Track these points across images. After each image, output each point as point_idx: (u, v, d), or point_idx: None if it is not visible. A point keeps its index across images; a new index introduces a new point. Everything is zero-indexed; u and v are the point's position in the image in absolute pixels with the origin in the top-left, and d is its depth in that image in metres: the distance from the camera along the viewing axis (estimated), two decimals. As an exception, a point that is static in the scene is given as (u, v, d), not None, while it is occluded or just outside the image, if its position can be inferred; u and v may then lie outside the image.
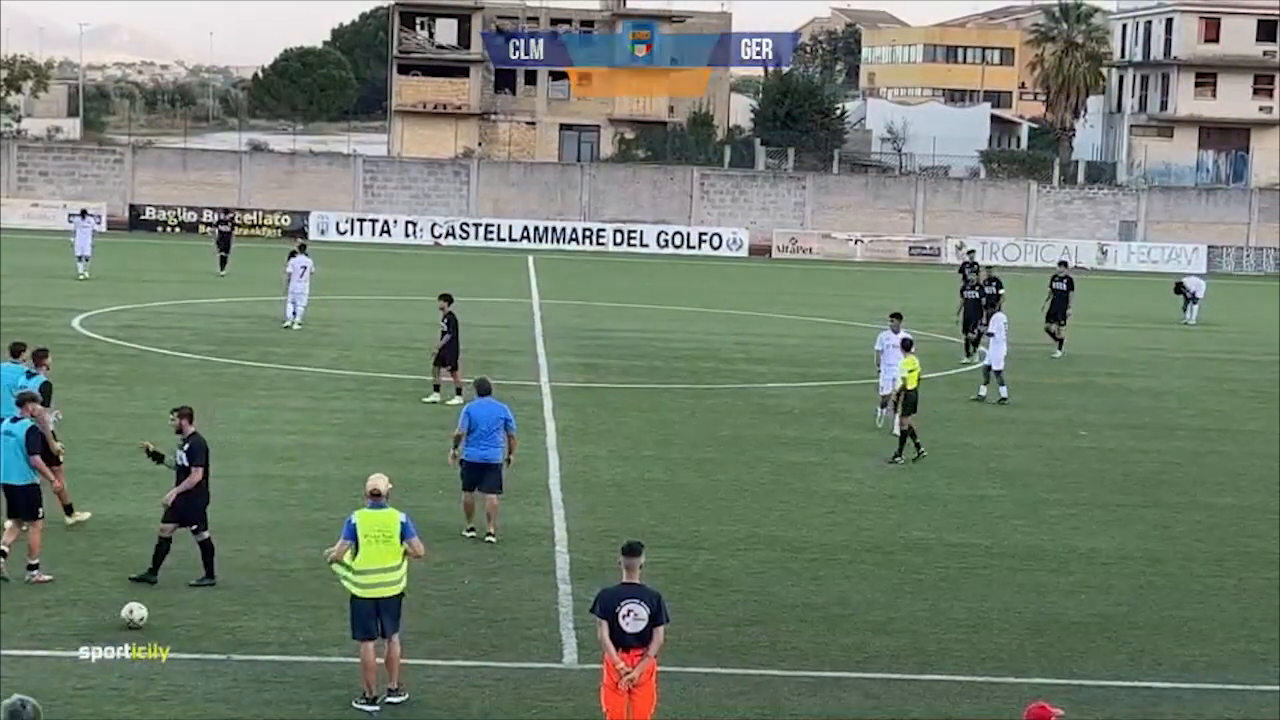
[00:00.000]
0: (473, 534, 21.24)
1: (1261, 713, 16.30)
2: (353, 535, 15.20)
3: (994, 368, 34.28)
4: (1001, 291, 40.31)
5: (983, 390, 34.70)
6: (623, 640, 13.62)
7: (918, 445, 27.49)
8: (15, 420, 18.86)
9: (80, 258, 50.94)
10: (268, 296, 48.05)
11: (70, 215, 71.23)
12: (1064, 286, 42.27)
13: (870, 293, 55.75)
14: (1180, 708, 16.18)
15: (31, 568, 18.48)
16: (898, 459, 27.32)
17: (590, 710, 15.37)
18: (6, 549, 18.55)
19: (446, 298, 31.47)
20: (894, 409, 28.41)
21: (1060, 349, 41.35)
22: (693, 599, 18.97)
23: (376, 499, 15.48)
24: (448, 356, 31.03)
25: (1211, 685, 16.81)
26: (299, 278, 41.56)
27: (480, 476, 21.26)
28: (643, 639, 13.65)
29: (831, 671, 16.74)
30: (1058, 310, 42.17)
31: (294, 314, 41.49)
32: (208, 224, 73.78)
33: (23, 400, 19.17)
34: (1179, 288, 53.95)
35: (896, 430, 27.95)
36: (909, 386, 27.56)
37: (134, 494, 22.58)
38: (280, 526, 21.38)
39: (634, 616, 13.65)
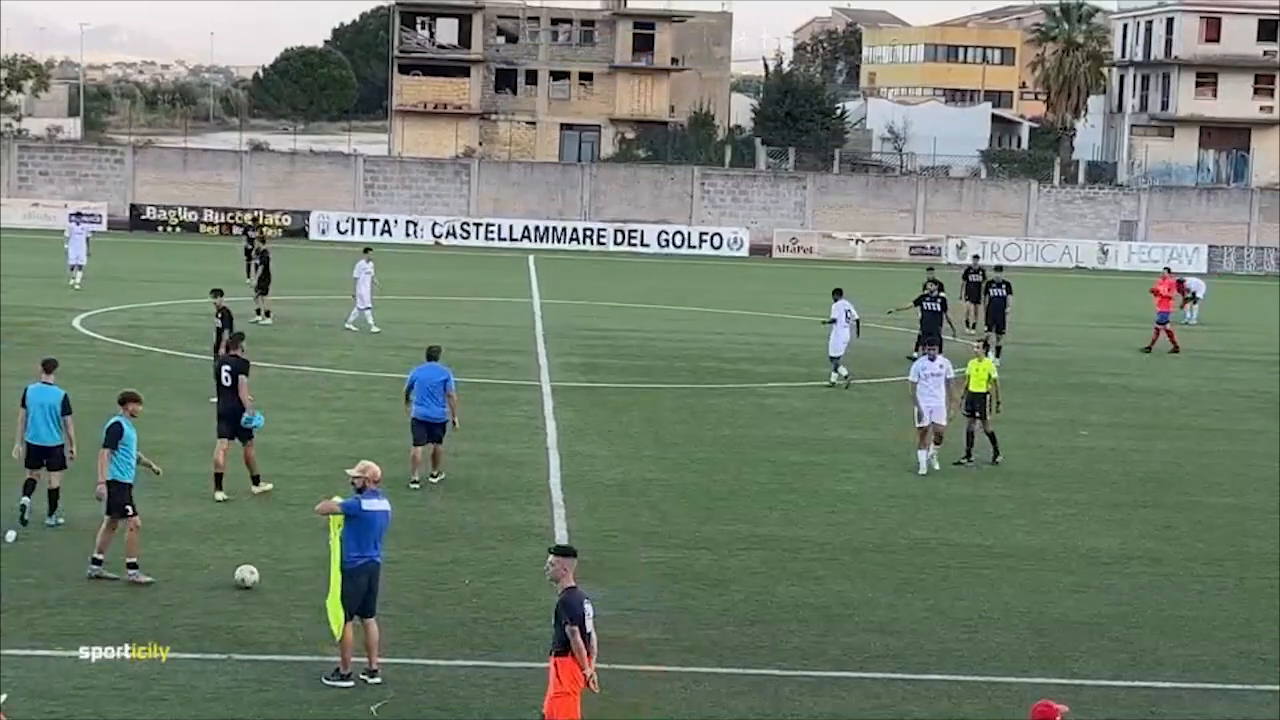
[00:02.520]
0: (416, 486, 23.58)
1: (1261, 713, 16.29)
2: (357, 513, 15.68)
3: (831, 354, 35.42)
4: (1009, 295, 40.37)
5: (833, 377, 35.49)
6: (587, 643, 13.64)
7: (994, 449, 27.52)
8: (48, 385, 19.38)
9: (74, 266, 48.55)
10: (269, 296, 48.03)
11: (71, 215, 71.46)
12: (1002, 292, 39.76)
13: (871, 293, 55.73)
14: (1180, 708, 16.17)
15: (131, 566, 18.57)
16: (998, 459, 27.35)
17: (590, 710, 15.38)
18: (101, 555, 18.65)
19: (217, 292, 31.17)
20: (933, 442, 26.51)
21: (997, 358, 36.45)
22: (693, 599, 18.98)
23: (374, 485, 15.87)
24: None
25: (1211, 685, 16.81)
26: (362, 282, 41.34)
27: (428, 432, 23.99)
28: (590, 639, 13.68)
29: (831, 671, 16.74)
30: (995, 318, 39.54)
31: (351, 318, 41.30)
32: (208, 224, 73.97)
33: (124, 400, 19.35)
34: (1179, 289, 53.96)
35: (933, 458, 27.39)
36: (978, 389, 27.33)
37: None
38: (280, 526, 21.37)
39: (590, 618, 13.68)
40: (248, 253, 51.22)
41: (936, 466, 26.44)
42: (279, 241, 60.33)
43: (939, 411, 26.37)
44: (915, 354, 35.72)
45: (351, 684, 15.49)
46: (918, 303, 37.51)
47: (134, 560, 18.60)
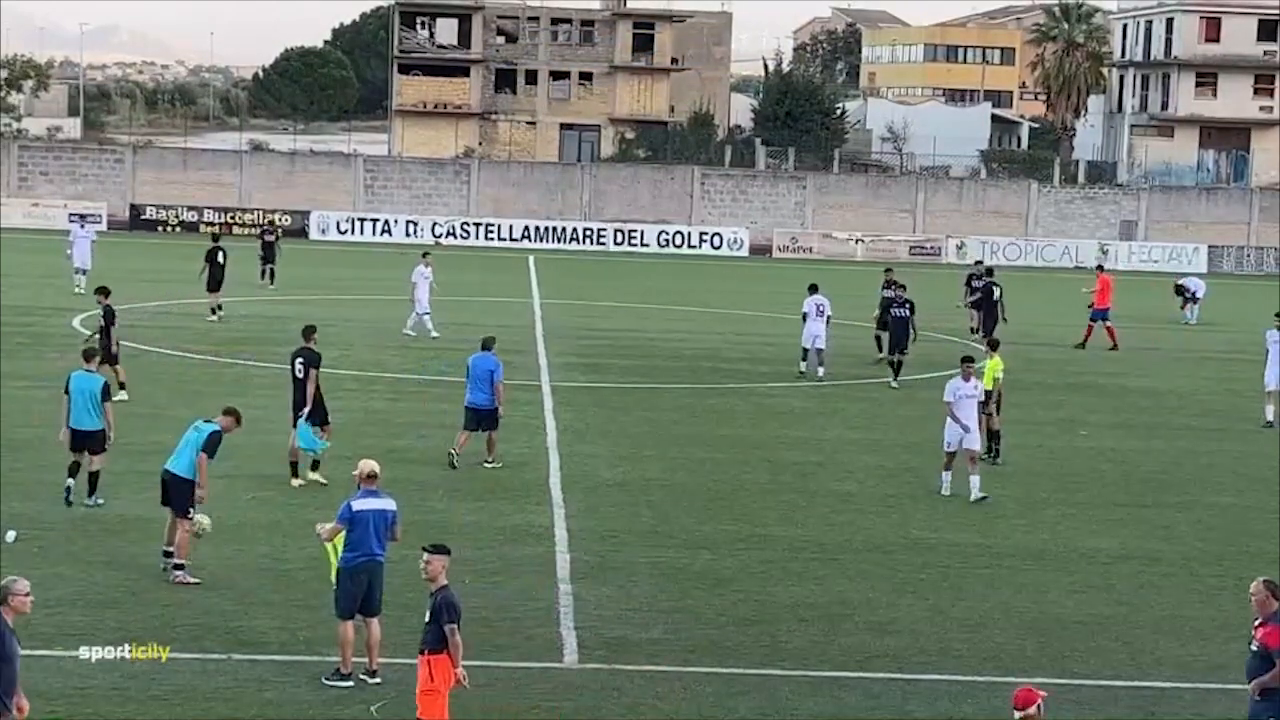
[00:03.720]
0: (451, 456, 25.20)
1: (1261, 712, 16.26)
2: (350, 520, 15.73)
3: (816, 346, 36.33)
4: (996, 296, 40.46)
5: (801, 365, 36.68)
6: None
7: (995, 449, 27.65)
8: (207, 421, 19.48)
9: (79, 270, 47.68)
10: (268, 296, 48.09)
11: (71, 215, 71.37)
12: (905, 313, 35.65)
13: (871, 292, 55.72)
14: (1180, 708, 16.18)
15: (178, 567, 18.74)
16: (996, 460, 27.39)
17: (590, 710, 15.39)
18: (172, 548, 19.01)
19: (103, 291, 31.11)
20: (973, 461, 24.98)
21: (896, 378, 35.59)
22: (693, 598, 18.99)
23: (370, 483, 16.00)
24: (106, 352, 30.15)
25: (1211, 685, 16.80)
26: (420, 287, 40.96)
27: (478, 419, 25.30)
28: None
29: (831, 671, 16.74)
30: (899, 338, 35.62)
31: (411, 324, 40.97)
32: (209, 224, 73.91)
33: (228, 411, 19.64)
34: (1179, 290, 53.98)
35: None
36: (989, 387, 27.38)
37: (134, 494, 22.57)
38: (280, 526, 21.38)
39: None
40: (267, 252, 50.95)
41: (985, 496, 24.41)
42: (279, 241, 60.13)
43: (973, 436, 24.86)
44: (882, 356, 36.87)
45: (351, 684, 15.54)
46: (885, 309, 37.32)
47: (182, 562, 18.84)
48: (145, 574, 19.08)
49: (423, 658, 13.64)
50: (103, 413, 21.63)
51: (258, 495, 22.98)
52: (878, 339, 38.72)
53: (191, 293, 47.07)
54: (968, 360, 25.97)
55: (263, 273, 51.02)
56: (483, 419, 25.31)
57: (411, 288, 41.38)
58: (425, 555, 13.99)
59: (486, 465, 25.33)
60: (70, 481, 21.78)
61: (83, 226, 50.74)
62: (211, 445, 19.05)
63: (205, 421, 19.47)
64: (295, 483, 23.64)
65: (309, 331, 25.04)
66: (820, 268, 70.07)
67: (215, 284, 42.85)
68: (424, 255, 43.36)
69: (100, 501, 21.76)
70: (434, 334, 40.55)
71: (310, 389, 23.96)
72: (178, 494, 18.98)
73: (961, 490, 24.52)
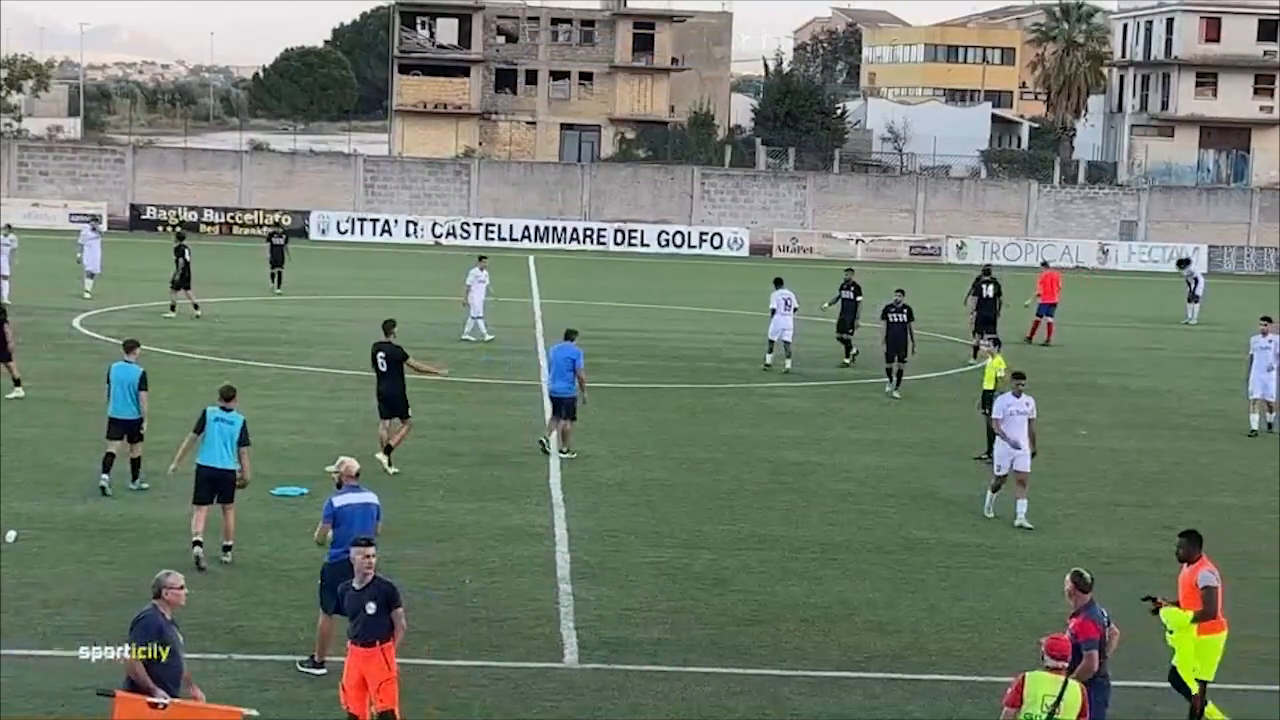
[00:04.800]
0: (544, 448, 26.39)
1: (1262, 713, 16.30)
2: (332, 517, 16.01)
3: (784, 339, 37.38)
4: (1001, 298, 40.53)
5: (768, 358, 37.63)
6: None
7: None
8: (227, 411, 19.86)
9: (89, 274, 46.81)
10: (268, 296, 48.09)
11: (72, 215, 71.39)
12: (902, 318, 34.85)
13: (871, 292, 55.77)
14: (1180, 708, 16.16)
15: (226, 549, 19.42)
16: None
17: (590, 710, 15.40)
18: (200, 537, 19.29)
19: None
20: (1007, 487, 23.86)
21: (897, 386, 34.99)
22: (693, 598, 19.00)
23: (351, 480, 16.29)
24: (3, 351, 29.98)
25: (1211, 685, 16.79)
26: (475, 291, 40.49)
27: (559, 406, 26.62)
28: None
29: (832, 671, 16.75)
30: (898, 345, 34.67)
31: (467, 329, 40.53)
32: (208, 224, 73.94)
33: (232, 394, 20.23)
34: (1181, 264, 54.49)
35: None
36: (990, 387, 27.45)
37: (135, 494, 22.60)
38: (280, 526, 21.38)
39: None
40: (275, 256, 50.08)
41: (1029, 525, 23.19)
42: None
43: (1024, 457, 23.44)
44: (847, 362, 36.15)
45: (323, 672, 15.63)
46: (848, 308, 37.30)
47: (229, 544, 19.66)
48: (145, 574, 18.98)
49: (375, 649, 13.57)
50: (139, 401, 22.61)
51: (258, 496, 22.97)
52: (842, 341, 38.62)
53: (191, 293, 47.10)
54: (1019, 376, 24.46)
55: (271, 276, 50.16)
56: (563, 406, 26.56)
57: (465, 291, 40.78)
58: (369, 549, 13.87)
59: (562, 455, 26.26)
60: (105, 476, 22.40)
61: (94, 229, 49.54)
62: (247, 435, 19.72)
63: (224, 410, 19.82)
64: (392, 470, 24.56)
65: (389, 325, 25.72)
66: (821, 268, 70.10)
67: (184, 282, 42.80)
68: (479, 259, 42.58)
69: (145, 485, 22.60)
70: (489, 336, 40.16)
71: (417, 367, 25.55)
72: (227, 485, 19.52)
73: (1000, 509, 23.91)
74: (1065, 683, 12.37)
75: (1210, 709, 15.42)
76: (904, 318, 34.44)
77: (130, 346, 23.55)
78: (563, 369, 26.53)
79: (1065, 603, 14.19)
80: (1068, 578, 14.17)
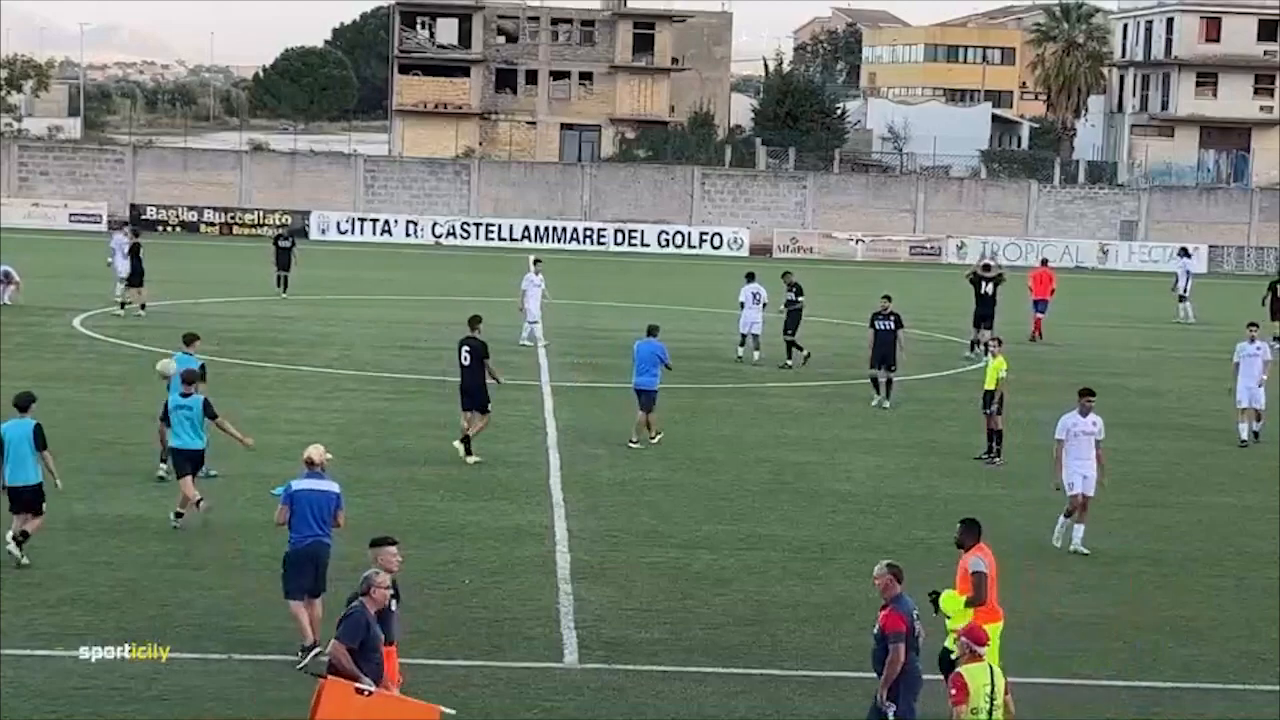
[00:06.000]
0: (637, 444, 27.44)
1: (1261, 713, 16.30)
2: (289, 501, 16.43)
3: (754, 332, 38.27)
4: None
5: (739, 351, 38.64)
6: None
7: (998, 449, 27.74)
8: (186, 395, 21.26)
9: (121, 279, 44.62)
10: (268, 297, 48.07)
11: (72, 215, 71.34)
12: (890, 326, 33.44)
13: (871, 293, 55.80)
14: (1180, 708, 16.17)
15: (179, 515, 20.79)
16: (996, 459, 27.50)
17: (591, 710, 15.39)
18: (184, 510, 20.77)
19: None
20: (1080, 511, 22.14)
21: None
22: (693, 598, 18.99)
23: (312, 467, 16.55)
24: None
25: (1211, 685, 16.81)
26: (530, 296, 39.89)
27: (641, 399, 27.70)
28: None
29: (831, 671, 16.74)
30: (885, 354, 33.41)
31: (524, 334, 39.77)
32: (208, 224, 73.94)
33: (189, 379, 21.73)
34: (1184, 252, 55.05)
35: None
36: (991, 387, 27.45)
37: (135, 494, 22.61)
38: (280, 526, 21.33)
39: None
40: (281, 259, 48.83)
41: (1085, 550, 21.80)
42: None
43: (1091, 481, 21.96)
44: (872, 370, 33.28)
45: (319, 650, 15.78)
46: (871, 323, 33.81)
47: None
48: (145, 574, 19.10)
49: (393, 646, 13.69)
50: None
51: (258, 496, 22.97)
52: (789, 345, 38.09)
53: (191, 293, 47.16)
54: (1088, 393, 22.60)
55: (277, 280, 48.80)
56: (645, 398, 27.70)
57: (521, 296, 40.09)
58: (392, 549, 13.99)
59: (652, 442, 27.64)
60: (163, 467, 22.93)
61: (124, 234, 46.97)
62: (210, 410, 21.17)
63: (183, 397, 21.35)
64: (471, 460, 25.56)
65: (475, 321, 26.68)
66: (821, 268, 70.12)
67: (137, 279, 42.73)
68: (535, 262, 41.81)
69: (214, 473, 23.17)
70: (544, 343, 39.53)
71: (492, 373, 26.15)
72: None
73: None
74: (990, 669, 12.68)
75: None
76: (892, 325, 32.88)
77: (189, 339, 24.43)
78: (648, 363, 27.80)
79: (877, 593, 14.09)
80: (884, 568, 14.05)
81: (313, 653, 16.02)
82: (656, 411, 28.13)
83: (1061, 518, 22.16)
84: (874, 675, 14.09)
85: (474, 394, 26.01)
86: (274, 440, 25.54)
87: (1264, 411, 30.83)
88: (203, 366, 23.71)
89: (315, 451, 16.75)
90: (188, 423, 21.07)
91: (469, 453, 25.73)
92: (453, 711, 13.01)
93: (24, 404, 19.31)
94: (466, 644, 17.09)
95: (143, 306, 42.70)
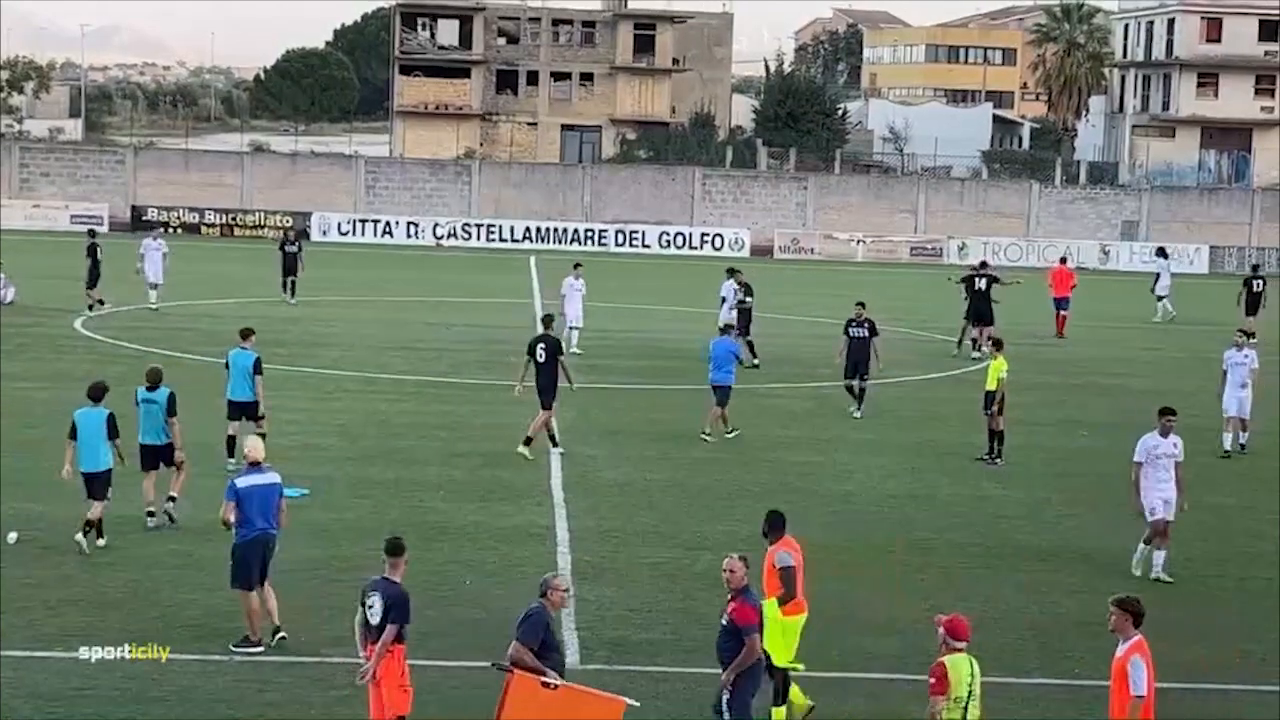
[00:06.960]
0: (709, 437, 28.45)
1: (1261, 713, 16.30)
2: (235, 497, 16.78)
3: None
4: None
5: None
6: (367, 632, 14.03)
7: (998, 449, 27.74)
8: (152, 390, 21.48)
9: (151, 285, 44.49)
10: (269, 296, 48.06)
11: (74, 217, 71.35)
12: (863, 333, 32.21)
13: (872, 293, 55.84)
14: (1180, 708, 16.16)
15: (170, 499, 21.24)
16: (997, 460, 27.51)
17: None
18: (153, 507, 21.13)
19: None
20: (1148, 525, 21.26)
21: (860, 406, 32.86)
22: (694, 599, 18.99)
23: (255, 465, 16.98)
24: None
25: (1211, 685, 16.80)
26: (571, 300, 39.08)
27: (717, 394, 28.91)
28: (377, 632, 13.93)
29: (831, 671, 16.73)
30: (858, 362, 32.19)
31: (574, 340, 38.54)
32: (209, 225, 73.91)
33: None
34: (1161, 252, 55.27)
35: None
36: (992, 388, 27.49)
37: (135, 494, 22.58)
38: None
39: (372, 610, 13.98)
40: (288, 264, 47.64)
41: (1167, 578, 20.73)
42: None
43: (1173, 505, 21.10)
44: (850, 381, 32.16)
45: (262, 649, 16.23)
46: (846, 330, 32.49)
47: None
48: (146, 574, 19.11)
49: (393, 650, 13.74)
50: (254, 384, 24.47)
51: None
52: (748, 345, 37.58)
53: (190, 294, 47.15)
54: (1168, 412, 21.96)
55: (284, 285, 47.72)
56: (721, 394, 28.76)
57: (561, 300, 39.38)
58: (403, 554, 14.40)
59: (727, 436, 28.53)
60: (231, 459, 23.63)
61: (154, 239, 46.31)
62: (173, 407, 21.33)
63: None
64: (556, 450, 26.57)
65: (549, 320, 28.14)
66: (821, 268, 70.14)
67: (93, 280, 43.04)
68: (575, 266, 40.98)
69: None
70: (576, 350, 37.64)
71: (557, 372, 26.65)
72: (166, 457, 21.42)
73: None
74: (971, 661, 12.96)
75: (794, 692, 15.37)
76: (865, 333, 31.83)
77: (246, 334, 25.15)
78: (723, 360, 28.94)
79: (726, 587, 14.03)
80: (736, 559, 14.00)
81: (277, 635, 16.62)
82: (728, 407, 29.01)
83: (1140, 544, 21.11)
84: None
85: (550, 390, 26.61)
86: (275, 441, 25.49)
87: (1249, 420, 30.51)
88: (258, 360, 24.74)
89: (256, 451, 17.19)
90: (152, 418, 21.37)
91: (554, 444, 26.79)
92: (637, 704, 13.23)
93: (98, 394, 20.29)
94: (466, 644, 17.09)
95: (102, 302, 43.18)
